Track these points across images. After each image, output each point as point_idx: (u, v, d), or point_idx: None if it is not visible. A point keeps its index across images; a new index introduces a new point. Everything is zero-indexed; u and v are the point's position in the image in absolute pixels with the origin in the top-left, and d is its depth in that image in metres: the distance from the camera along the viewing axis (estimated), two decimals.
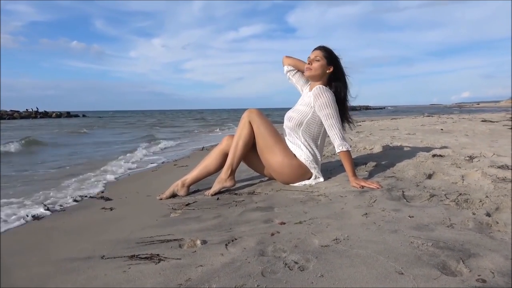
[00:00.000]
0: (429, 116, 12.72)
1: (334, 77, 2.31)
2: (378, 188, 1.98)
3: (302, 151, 2.25)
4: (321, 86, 2.24)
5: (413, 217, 1.48)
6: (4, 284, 1.31)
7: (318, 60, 2.25)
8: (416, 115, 15.08)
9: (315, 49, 2.31)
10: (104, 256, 1.42)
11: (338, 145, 2.15)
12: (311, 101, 2.24)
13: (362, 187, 2.03)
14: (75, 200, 2.56)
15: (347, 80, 2.33)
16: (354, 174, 2.13)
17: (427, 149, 3.11)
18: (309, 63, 2.29)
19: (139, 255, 1.38)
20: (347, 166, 2.14)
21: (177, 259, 1.30)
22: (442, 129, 5.84)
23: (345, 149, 2.14)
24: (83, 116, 45.11)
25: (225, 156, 2.36)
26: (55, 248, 1.65)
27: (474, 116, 10.87)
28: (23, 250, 1.67)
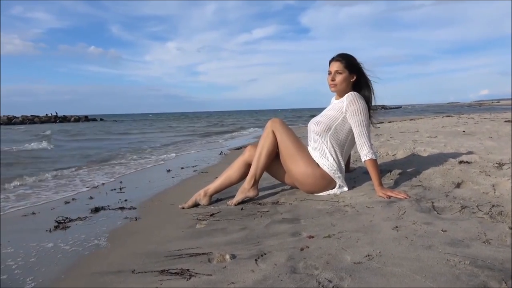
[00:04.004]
0: (448, 116, 12.47)
1: (358, 84, 2.29)
2: (406, 198, 1.95)
3: (327, 160, 2.22)
4: (355, 92, 2.23)
5: (446, 231, 1.45)
6: None
7: (340, 73, 2.23)
8: (435, 116, 14.82)
9: (334, 60, 2.27)
10: (134, 270, 1.44)
11: (366, 153, 2.13)
12: (343, 106, 2.21)
13: (389, 197, 2.00)
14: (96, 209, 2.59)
15: (371, 85, 2.31)
16: (381, 184, 2.10)
17: (453, 155, 3.05)
18: (332, 79, 2.26)
19: (169, 270, 1.39)
20: (373, 175, 2.11)
21: (208, 275, 1.30)
22: (464, 131, 5.71)
23: (373, 157, 2.12)
24: (101, 120, 45.88)
25: (247, 166, 2.36)
26: (85, 260, 1.68)
27: (496, 115, 10.60)
28: (53, 260, 1.69)
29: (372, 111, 2.32)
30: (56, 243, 1.93)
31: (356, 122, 2.17)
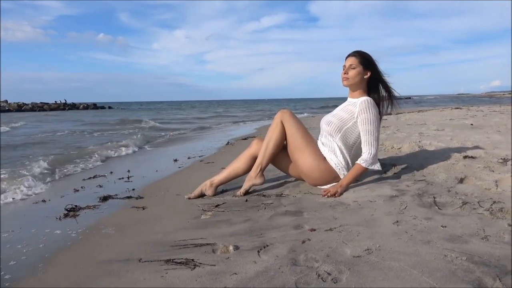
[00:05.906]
0: (457, 108, 12.34)
1: (373, 82, 2.28)
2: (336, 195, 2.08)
3: (335, 157, 2.25)
4: (369, 99, 2.21)
5: (445, 227, 1.47)
6: (49, 283, 1.40)
7: (354, 68, 2.23)
8: (444, 107, 14.66)
9: (349, 55, 2.28)
10: (141, 259, 1.49)
11: (364, 159, 2.16)
12: (355, 111, 2.22)
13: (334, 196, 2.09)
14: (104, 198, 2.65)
15: (388, 85, 2.30)
16: (347, 186, 2.16)
17: (458, 149, 3.05)
18: (345, 72, 2.26)
19: (174, 259, 1.43)
20: (351, 175, 2.16)
21: (212, 265, 1.34)
22: (472, 124, 5.67)
23: (365, 167, 2.16)
24: (109, 107, 46.16)
25: (253, 159, 2.40)
26: (93, 248, 1.73)
27: (506, 108, 10.46)
28: (63, 248, 1.75)
29: (395, 101, 2.33)
30: (65, 231, 1.99)
31: (364, 130, 2.19)
